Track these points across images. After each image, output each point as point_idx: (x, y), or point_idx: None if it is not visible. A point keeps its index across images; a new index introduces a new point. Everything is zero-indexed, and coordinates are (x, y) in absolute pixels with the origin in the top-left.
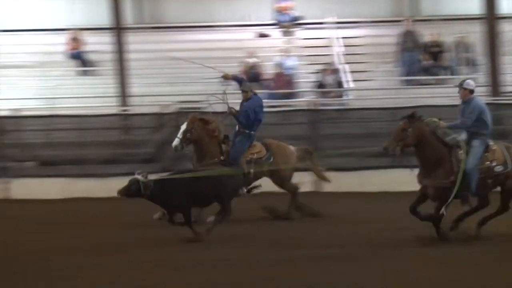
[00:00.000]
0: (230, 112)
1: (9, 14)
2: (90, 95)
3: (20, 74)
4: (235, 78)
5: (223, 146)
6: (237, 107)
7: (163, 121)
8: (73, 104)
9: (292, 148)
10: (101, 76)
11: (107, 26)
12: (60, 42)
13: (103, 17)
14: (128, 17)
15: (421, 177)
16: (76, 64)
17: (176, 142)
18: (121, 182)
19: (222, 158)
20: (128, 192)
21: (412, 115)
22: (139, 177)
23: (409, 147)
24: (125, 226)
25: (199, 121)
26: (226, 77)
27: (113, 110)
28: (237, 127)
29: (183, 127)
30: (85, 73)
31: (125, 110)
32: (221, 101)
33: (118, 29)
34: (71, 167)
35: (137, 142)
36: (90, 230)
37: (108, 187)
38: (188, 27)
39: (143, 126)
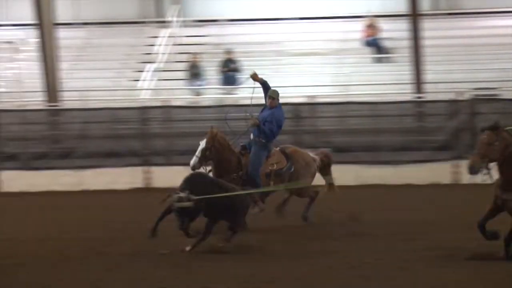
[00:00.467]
0: (254, 123)
1: (308, 2)
2: (385, 82)
3: (316, 61)
4: (263, 83)
5: (242, 159)
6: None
7: (458, 108)
8: (368, 91)
9: (312, 154)
10: (396, 63)
11: (403, 13)
12: (356, 29)
13: (400, 4)
14: (425, 3)
15: (501, 191)
16: (371, 51)
17: (194, 161)
18: (414, 170)
19: (240, 173)
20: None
21: (496, 126)
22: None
23: (493, 162)
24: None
25: (218, 137)
26: (254, 77)
27: (407, 97)
28: (251, 136)
29: (202, 144)
30: (380, 60)
31: (419, 97)
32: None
33: (414, 15)
34: (365, 153)
35: (431, 129)
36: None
37: (401, 174)
38: (485, 13)
39: (438, 113)
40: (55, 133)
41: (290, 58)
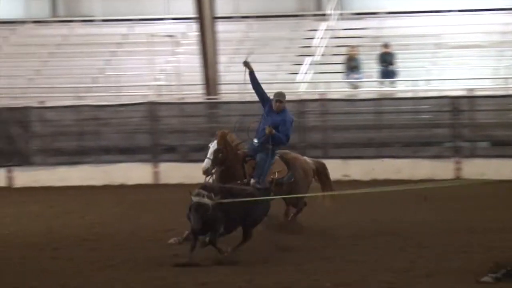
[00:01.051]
0: (270, 132)
1: None
2: None
3: (476, 54)
4: (253, 75)
5: (245, 166)
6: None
7: None
8: None
9: (309, 161)
10: None
11: None
12: None
13: None
14: None
15: None
16: None
17: (207, 164)
18: None
19: (245, 180)
20: (196, 211)
21: None
22: (207, 201)
23: None
24: None
25: (228, 138)
26: (247, 65)
27: None
28: (254, 141)
29: (214, 146)
30: None
31: None
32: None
33: None
34: None
35: None
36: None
37: None
38: None
39: None
40: (213, 125)
41: (449, 50)
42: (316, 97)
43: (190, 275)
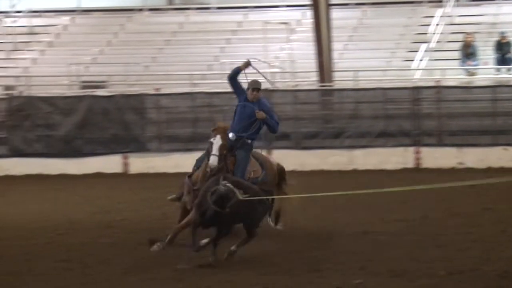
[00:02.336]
0: (262, 117)
1: None
2: None
3: None
4: (238, 72)
5: (228, 161)
6: None
7: None
8: None
9: (274, 164)
10: None
11: None
12: None
13: None
14: None
15: None
16: None
17: (213, 160)
18: None
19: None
20: (223, 198)
21: None
22: (237, 192)
23: None
24: None
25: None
26: (247, 65)
27: None
28: (230, 136)
29: (218, 141)
30: None
31: None
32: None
33: None
34: None
35: None
36: None
37: None
38: None
39: None
40: (327, 113)
41: None
42: (432, 84)
43: (302, 263)
